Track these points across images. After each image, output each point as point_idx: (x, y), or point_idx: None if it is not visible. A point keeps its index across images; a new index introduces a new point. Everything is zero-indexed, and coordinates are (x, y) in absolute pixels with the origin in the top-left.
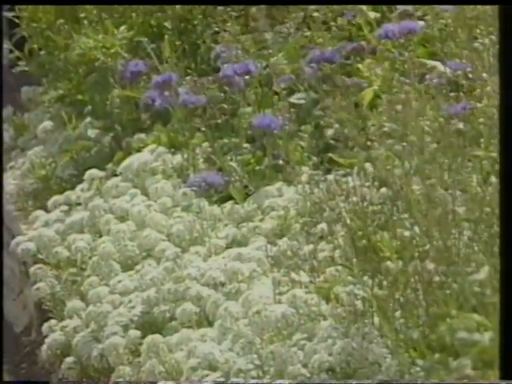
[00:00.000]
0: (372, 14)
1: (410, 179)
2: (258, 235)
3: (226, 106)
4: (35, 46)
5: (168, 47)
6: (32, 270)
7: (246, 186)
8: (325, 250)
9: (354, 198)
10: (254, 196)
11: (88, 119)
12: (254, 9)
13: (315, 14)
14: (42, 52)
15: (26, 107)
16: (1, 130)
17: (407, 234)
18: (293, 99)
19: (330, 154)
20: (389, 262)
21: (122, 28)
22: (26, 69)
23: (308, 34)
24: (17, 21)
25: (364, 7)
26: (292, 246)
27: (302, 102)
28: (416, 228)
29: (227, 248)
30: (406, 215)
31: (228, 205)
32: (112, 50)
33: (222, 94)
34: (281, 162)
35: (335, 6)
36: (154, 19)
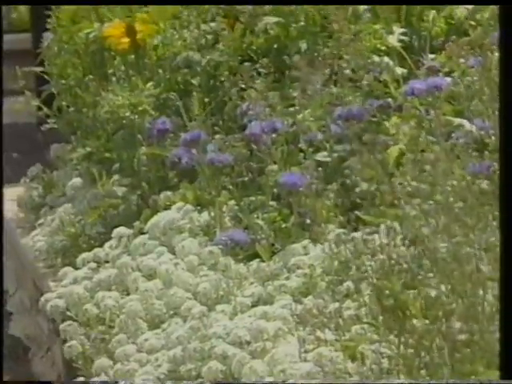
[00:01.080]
0: (399, 71)
1: (436, 238)
2: (284, 293)
3: (252, 163)
4: (64, 103)
5: (196, 104)
6: (62, 327)
7: (272, 244)
8: (350, 308)
9: (381, 257)
10: (280, 254)
11: (116, 177)
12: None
13: (344, 72)
14: (71, 109)
15: (55, 165)
16: (1, 130)
17: (433, 292)
18: (319, 157)
19: (356, 212)
20: (415, 321)
21: (149, 85)
22: (55, 126)
23: (334, 90)
24: (46, 77)
25: (391, 63)
26: (317, 305)
27: (328, 159)
28: (442, 287)
29: (253, 306)
30: (431, 274)
31: (254, 263)
32: (139, 108)
33: (249, 152)
34: (307, 220)
35: (361, 62)
36: (181, 75)
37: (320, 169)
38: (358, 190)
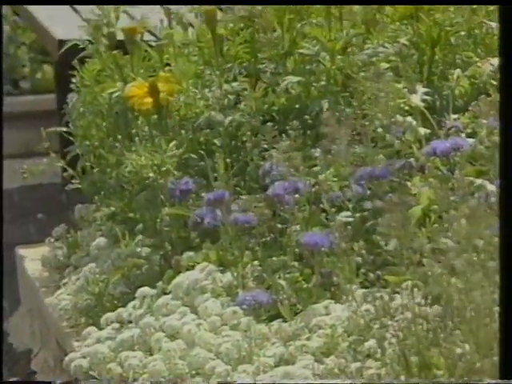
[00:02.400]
0: (422, 131)
1: (463, 297)
2: (306, 353)
3: (274, 224)
4: (88, 164)
5: (218, 164)
6: None
7: (294, 305)
8: (372, 367)
9: (404, 315)
10: (302, 314)
11: (139, 237)
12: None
13: (367, 131)
14: (95, 170)
15: (79, 225)
16: (1, 133)
17: (458, 350)
18: (341, 217)
19: (379, 272)
20: (440, 379)
21: (171, 145)
22: (79, 186)
23: (357, 150)
24: (71, 138)
25: (414, 122)
26: (339, 364)
27: (351, 219)
28: (467, 345)
29: (275, 366)
30: (457, 332)
31: (276, 323)
32: (163, 168)
33: (271, 212)
34: (329, 279)
35: (384, 121)
36: (204, 136)
37: (342, 229)
38: (381, 249)
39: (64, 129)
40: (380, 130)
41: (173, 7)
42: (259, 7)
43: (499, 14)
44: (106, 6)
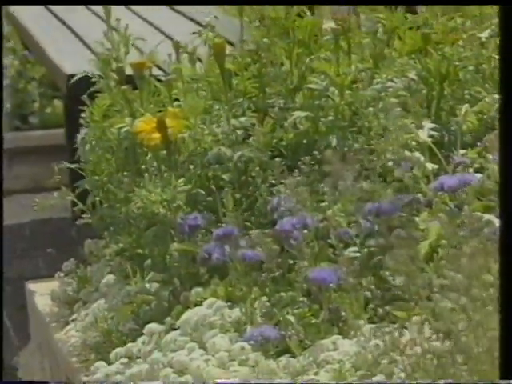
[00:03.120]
0: (430, 166)
1: (472, 332)
2: None
3: (282, 259)
4: (97, 199)
5: (227, 200)
6: None
7: (302, 340)
8: None
9: (413, 351)
10: (310, 349)
11: (148, 273)
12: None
13: (375, 167)
14: (104, 205)
15: (89, 260)
16: (1, 136)
17: None
18: (349, 252)
19: (388, 307)
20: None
21: (180, 180)
22: (89, 221)
23: (365, 185)
24: (80, 173)
25: (422, 158)
26: None
27: (358, 254)
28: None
29: None
30: (465, 367)
31: (284, 358)
32: (172, 204)
33: (279, 248)
34: (337, 315)
35: (392, 157)
36: (212, 171)
37: (350, 264)
38: (389, 284)
39: (74, 165)
40: (388, 164)
41: (182, 41)
42: (267, 41)
43: (499, 13)
44: (116, 39)
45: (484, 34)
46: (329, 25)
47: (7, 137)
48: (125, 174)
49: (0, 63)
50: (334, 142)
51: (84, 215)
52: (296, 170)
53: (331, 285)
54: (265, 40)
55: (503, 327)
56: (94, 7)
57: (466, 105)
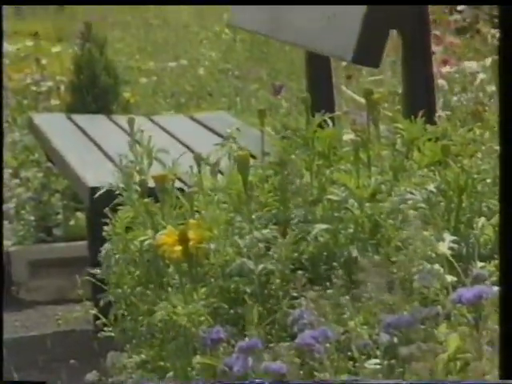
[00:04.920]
0: (449, 278)
1: None
2: None
3: (303, 372)
4: (120, 312)
5: (250, 313)
6: None
7: None
8: None
9: None
10: None
11: None
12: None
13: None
14: (127, 318)
15: (111, 372)
16: (1, 137)
17: None
18: (370, 364)
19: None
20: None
21: (202, 291)
22: (112, 334)
23: (385, 297)
24: (103, 286)
25: (441, 270)
26: None
27: (379, 367)
28: None
29: None
30: None
31: None
32: (194, 317)
33: (300, 360)
34: None
35: (412, 269)
36: (234, 283)
37: (372, 376)
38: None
39: (97, 277)
40: (408, 277)
41: (203, 152)
42: (292, 156)
43: (499, 14)
44: (139, 151)
45: None
46: (349, 136)
47: (32, 249)
48: (147, 286)
49: (0, 61)
50: (354, 252)
51: (106, 328)
52: (316, 283)
53: None
54: (291, 156)
55: (503, 327)
56: (116, 119)
57: (483, 218)
